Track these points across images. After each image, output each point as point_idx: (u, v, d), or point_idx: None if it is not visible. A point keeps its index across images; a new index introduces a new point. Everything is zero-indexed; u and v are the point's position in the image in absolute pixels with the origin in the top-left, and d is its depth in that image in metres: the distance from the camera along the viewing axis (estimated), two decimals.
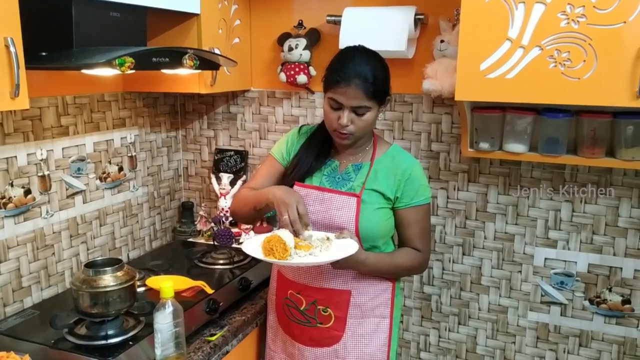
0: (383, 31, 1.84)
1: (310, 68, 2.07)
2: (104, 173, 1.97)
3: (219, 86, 1.94)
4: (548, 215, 1.90)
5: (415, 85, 1.92)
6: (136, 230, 2.17)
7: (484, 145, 1.80)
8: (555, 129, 1.72)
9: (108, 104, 1.97)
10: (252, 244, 1.46)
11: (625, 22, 1.40)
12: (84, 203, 1.89)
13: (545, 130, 1.73)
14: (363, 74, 1.42)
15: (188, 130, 2.40)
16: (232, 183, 2.26)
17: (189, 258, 2.05)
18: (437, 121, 1.99)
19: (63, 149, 1.79)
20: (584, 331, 1.93)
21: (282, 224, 1.42)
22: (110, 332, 1.42)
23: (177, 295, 1.51)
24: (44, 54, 1.36)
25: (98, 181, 1.95)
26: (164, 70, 1.61)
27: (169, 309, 1.34)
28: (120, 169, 2.05)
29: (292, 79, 2.05)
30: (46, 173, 1.73)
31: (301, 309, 1.59)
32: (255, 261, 1.91)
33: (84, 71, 1.44)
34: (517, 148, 1.76)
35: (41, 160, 1.71)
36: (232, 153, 2.32)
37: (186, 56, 1.56)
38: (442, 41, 1.85)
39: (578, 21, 1.44)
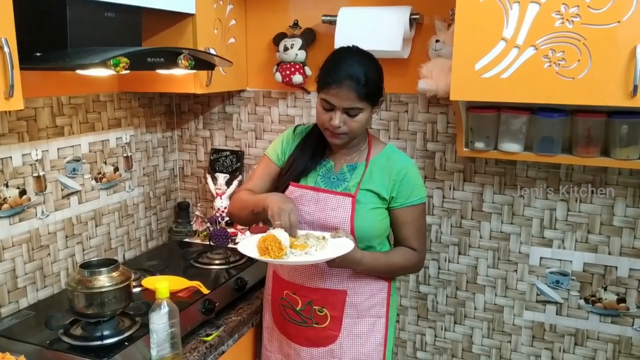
0: (378, 31, 1.85)
1: (306, 68, 2.07)
2: (99, 173, 1.97)
3: (214, 86, 1.94)
4: (543, 215, 1.91)
5: (410, 85, 1.93)
6: (132, 231, 2.16)
7: (479, 145, 1.80)
8: (550, 128, 1.72)
9: (103, 104, 1.97)
10: (248, 243, 1.46)
11: (619, 21, 1.40)
12: (79, 203, 1.88)
13: (540, 129, 1.74)
14: (355, 75, 1.41)
15: (184, 130, 2.40)
16: (228, 183, 2.26)
17: (184, 258, 2.05)
18: (433, 121, 2.00)
19: (58, 149, 1.78)
20: (580, 330, 1.94)
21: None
22: (105, 332, 1.42)
23: (173, 295, 1.51)
24: (38, 54, 1.36)
25: (93, 181, 1.94)
26: (159, 71, 1.61)
27: (165, 309, 1.35)
28: (116, 169, 2.05)
29: (287, 79, 2.05)
30: (41, 173, 1.73)
31: (297, 309, 1.59)
32: (251, 261, 1.91)
33: (79, 71, 1.44)
34: (512, 147, 1.76)
35: (36, 160, 1.71)
36: (228, 153, 2.32)
37: (181, 56, 1.56)
38: (437, 41, 1.85)
39: (572, 21, 1.44)
